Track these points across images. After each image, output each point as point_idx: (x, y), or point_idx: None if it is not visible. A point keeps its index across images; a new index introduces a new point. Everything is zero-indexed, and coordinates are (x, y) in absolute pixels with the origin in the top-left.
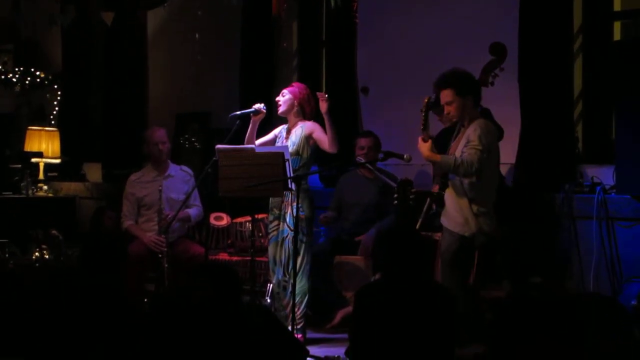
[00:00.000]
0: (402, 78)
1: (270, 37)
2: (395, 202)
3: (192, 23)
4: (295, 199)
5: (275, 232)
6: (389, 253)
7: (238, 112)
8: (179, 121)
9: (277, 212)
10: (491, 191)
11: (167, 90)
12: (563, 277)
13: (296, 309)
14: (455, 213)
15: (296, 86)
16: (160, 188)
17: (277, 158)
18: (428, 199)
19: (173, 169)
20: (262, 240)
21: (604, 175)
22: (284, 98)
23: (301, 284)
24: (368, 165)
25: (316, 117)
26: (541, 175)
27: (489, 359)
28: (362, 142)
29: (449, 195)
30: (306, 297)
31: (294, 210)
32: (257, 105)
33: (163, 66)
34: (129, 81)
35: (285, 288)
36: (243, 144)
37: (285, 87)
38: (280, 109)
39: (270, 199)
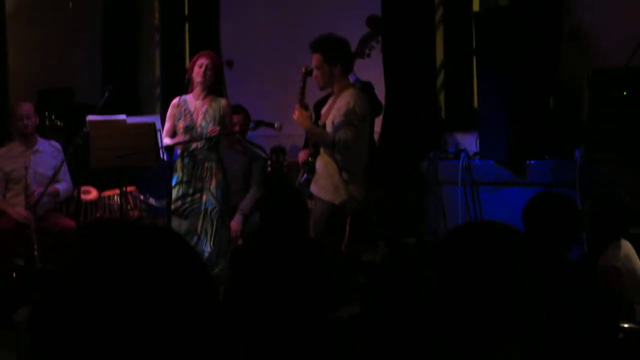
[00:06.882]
0: (267, 50)
1: (133, 12)
2: (269, 169)
3: None
4: (218, 171)
5: (197, 205)
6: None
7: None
8: (42, 97)
9: (199, 184)
10: (361, 159)
11: (29, 66)
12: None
13: None
14: (325, 181)
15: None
16: (26, 164)
17: (148, 128)
18: (302, 170)
19: (42, 144)
20: (132, 213)
21: (467, 142)
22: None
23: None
24: (238, 135)
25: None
26: (406, 143)
27: (364, 320)
28: (233, 119)
29: (319, 162)
30: None
31: (220, 182)
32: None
33: (23, 41)
34: None
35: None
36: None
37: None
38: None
39: (181, 169)
